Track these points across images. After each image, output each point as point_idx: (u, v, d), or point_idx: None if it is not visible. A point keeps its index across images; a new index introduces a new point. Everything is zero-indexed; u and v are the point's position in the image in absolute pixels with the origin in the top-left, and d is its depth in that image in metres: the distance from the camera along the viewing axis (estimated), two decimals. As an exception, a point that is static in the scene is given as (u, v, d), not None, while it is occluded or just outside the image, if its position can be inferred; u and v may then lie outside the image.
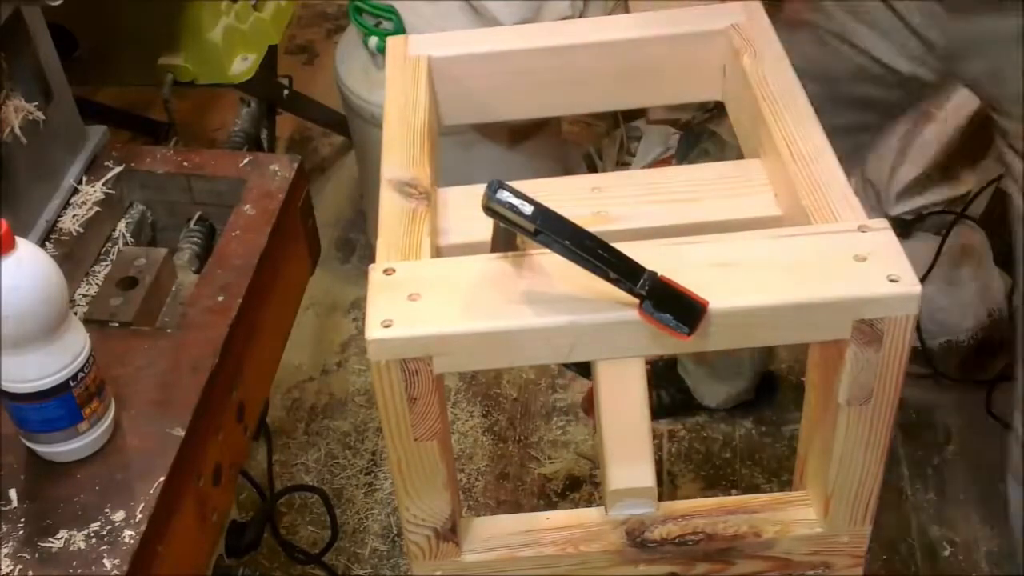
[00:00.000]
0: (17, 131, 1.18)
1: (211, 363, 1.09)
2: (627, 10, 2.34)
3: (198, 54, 1.86)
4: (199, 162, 1.34)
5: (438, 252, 1.03)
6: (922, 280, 0.90)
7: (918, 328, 1.97)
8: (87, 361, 0.98)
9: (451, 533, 1.02)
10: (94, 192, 1.29)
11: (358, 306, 2.44)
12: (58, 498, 0.99)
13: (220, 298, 1.16)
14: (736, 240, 0.93)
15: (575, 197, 1.08)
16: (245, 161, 1.33)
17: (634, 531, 1.05)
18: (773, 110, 1.09)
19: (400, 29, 2.16)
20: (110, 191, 1.30)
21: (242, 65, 1.94)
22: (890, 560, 1.89)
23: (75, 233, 1.25)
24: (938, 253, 2.02)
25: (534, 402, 2.21)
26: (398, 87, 1.17)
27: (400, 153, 1.08)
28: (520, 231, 0.87)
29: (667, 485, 2.02)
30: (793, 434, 2.09)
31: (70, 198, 1.28)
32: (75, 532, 0.95)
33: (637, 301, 0.85)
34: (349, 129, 2.42)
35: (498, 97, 1.24)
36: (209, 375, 1.08)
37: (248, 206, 1.27)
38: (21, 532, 0.96)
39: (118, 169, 1.32)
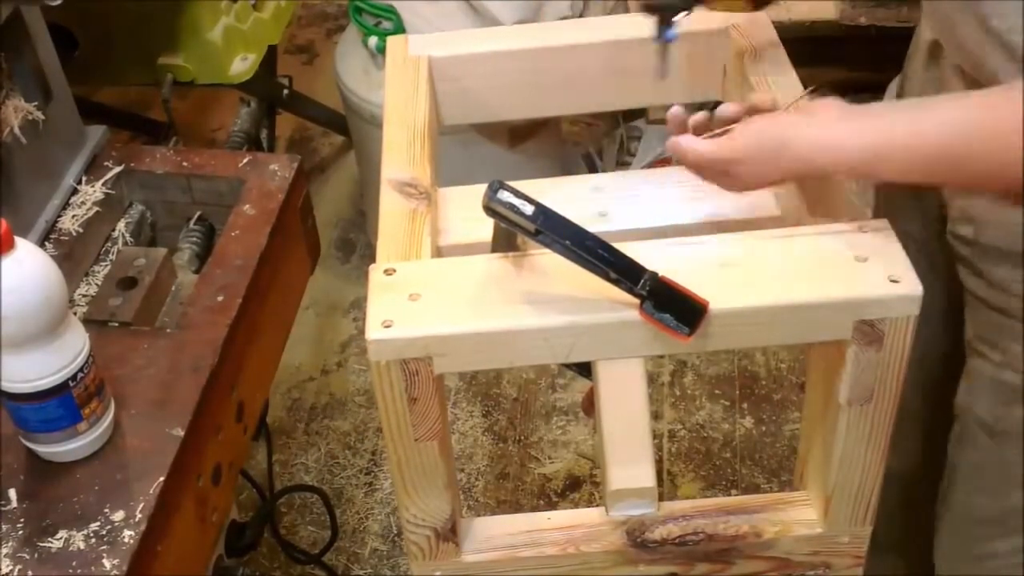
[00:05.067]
0: (17, 131, 1.18)
1: (211, 363, 1.09)
2: (627, 10, 2.34)
3: (198, 54, 1.86)
4: (199, 162, 1.34)
5: (438, 252, 1.03)
6: (922, 280, 0.90)
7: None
8: (86, 361, 0.98)
9: (451, 533, 1.02)
10: (94, 192, 1.29)
11: (358, 306, 2.44)
12: (58, 498, 0.98)
13: (220, 298, 1.16)
14: (736, 240, 0.93)
15: (575, 197, 1.08)
16: (245, 161, 1.33)
17: (635, 531, 1.05)
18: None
19: (400, 29, 2.16)
20: (110, 191, 1.30)
21: (242, 65, 1.94)
22: (890, 560, 1.89)
23: (75, 233, 1.24)
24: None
25: (534, 402, 2.21)
26: (398, 87, 1.17)
27: (400, 153, 1.08)
28: (521, 231, 0.87)
29: (667, 485, 2.02)
30: (793, 434, 2.09)
31: (70, 198, 1.28)
32: (75, 532, 0.95)
33: (638, 301, 0.85)
34: (349, 129, 2.42)
35: (498, 97, 1.24)
36: (209, 375, 1.08)
37: (248, 206, 1.27)
38: (21, 532, 0.96)
39: (118, 169, 1.32)
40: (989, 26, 0.92)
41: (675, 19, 1.05)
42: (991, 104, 0.84)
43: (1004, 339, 1.06)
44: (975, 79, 0.97)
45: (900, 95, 1.20)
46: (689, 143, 0.95)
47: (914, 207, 1.17)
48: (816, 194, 1.00)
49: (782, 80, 1.12)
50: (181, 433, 1.03)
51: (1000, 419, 1.10)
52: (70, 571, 0.93)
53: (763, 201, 1.07)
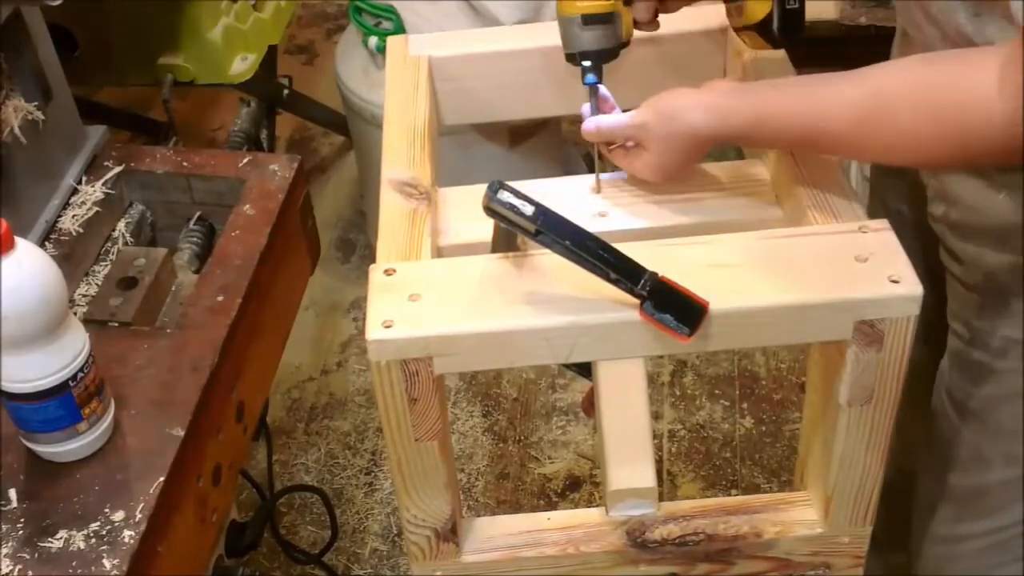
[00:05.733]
0: (17, 131, 1.18)
1: (211, 363, 1.09)
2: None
3: (198, 54, 1.86)
4: (199, 162, 1.34)
5: (439, 252, 1.03)
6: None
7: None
8: (87, 361, 0.98)
9: (451, 533, 1.02)
10: (94, 192, 1.29)
11: (358, 306, 2.44)
12: (58, 498, 0.98)
13: (220, 298, 1.16)
14: (737, 241, 0.93)
15: (575, 197, 1.08)
16: (245, 161, 1.33)
17: (635, 531, 1.05)
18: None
19: (400, 29, 2.15)
20: (110, 191, 1.30)
21: (242, 65, 1.94)
22: (890, 560, 1.89)
23: (75, 233, 1.24)
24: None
25: (534, 402, 2.21)
26: (398, 87, 1.17)
27: (400, 153, 1.08)
28: (521, 232, 0.87)
29: (667, 485, 2.02)
30: (793, 434, 2.09)
31: (70, 198, 1.28)
32: (75, 532, 0.95)
33: (638, 302, 0.85)
34: (349, 129, 2.42)
35: (498, 97, 1.24)
36: (209, 375, 1.08)
37: (248, 206, 1.27)
38: (21, 532, 0.96)
39: (118, 169, 1.32)
40: (931, 14, 0.95)
41: (586, 64, 1.08)
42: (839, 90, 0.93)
43: (973, 317, 1.08)
44: None
45: None
46: (598, 120, 1.06)
47: (903, 188, 1.19)
48: (816, 194, 1.00)
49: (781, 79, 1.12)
50: (181, 433, 1.03)
51: (969, 396, 1.11)
52: (70, 571, 0.93)
53: (763, 201, 1.07)
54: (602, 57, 1.08)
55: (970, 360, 1.09)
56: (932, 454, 1.19)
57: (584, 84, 1.08)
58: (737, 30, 1.11)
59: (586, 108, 1.09)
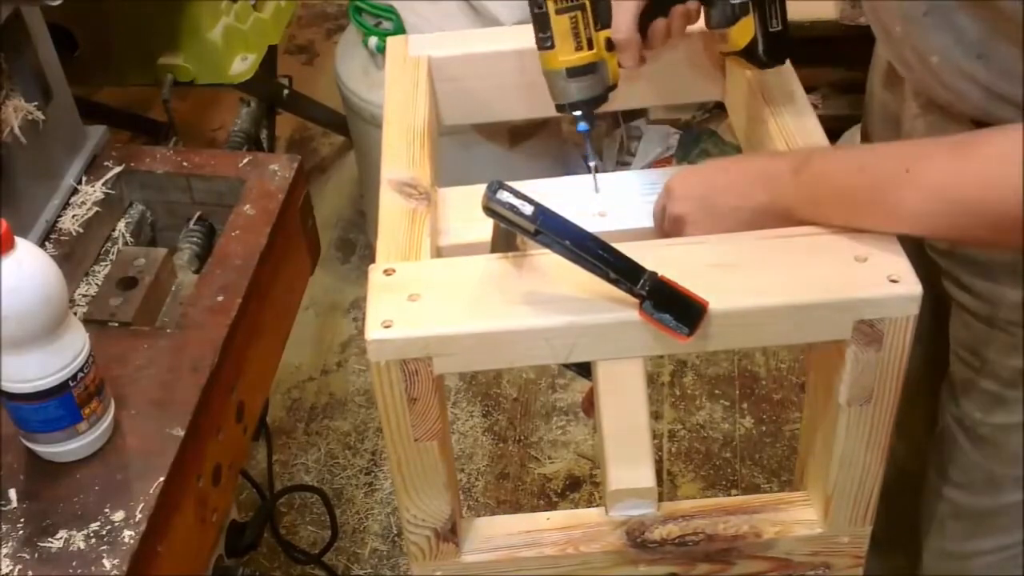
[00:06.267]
0: (17, 131, 1.18)
1: (211, 363, 1.09)
2: (627, 10, 2.33)
3: (198, 54, 1.86)
4: (199, 162, 1.34)
5: (438, 252, 1.03)
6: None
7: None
8: (87, 361, 0.98)
9: (451, 533, 1.02)
10: (94, 192, 1.29)
11: (358, 306, 2.44)
12: (58, 498, 0.99)
13: (220, 298, 1.16)
14: (736, 240, 0.93)
15: (575, 197, 1.08)
16: (245, 161, 1.33)
17: (634, 531, 1.05)
18: (772, 109, 1.09)
19: (400, 29, 2.16)
20: (110, 191, 1.30)
21: (242, 65, 1.94)
22: (890, 560, 1.89)
23: (75, 233, 1.24)
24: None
25: (534, 402, 2.21)
26: (398, 87, 1.17)
27: (400, 153, 1.08)
28: (520, 231, 0.87)
29: (667, 485, 2.02)
30: (793, 434, 2.09)
31: (70, 198, 1.28)
32: (75, 532, 0.95)
33: (637, 301, 0.85)
34: (349, 129, 2.42)
35: (498, 97, 1.24)
36: (209, 375, 1.08)
37: (248, 206, 1.27)
38: (21, 532, 0.96)
39: (118, 169, 1.32)
40: (929, 64, 0.93)
41: (576, 114, 1.09)
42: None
43: (985, 349, 1.07)
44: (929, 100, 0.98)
45: (864, 113, 1.21)
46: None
47: None
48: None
49: (782, 80, 1.12)
50: (181, 433, 1.03)
51: (979, 424, 1.11)
52: (70, 571, 0.93)
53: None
54: (591, 105, 1.09)
55: (983, 390, 1.09)
56: (940, 474, 1.19)
57: (577, 131, 1.10)
58: (724, 55, 1.11)
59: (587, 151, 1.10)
